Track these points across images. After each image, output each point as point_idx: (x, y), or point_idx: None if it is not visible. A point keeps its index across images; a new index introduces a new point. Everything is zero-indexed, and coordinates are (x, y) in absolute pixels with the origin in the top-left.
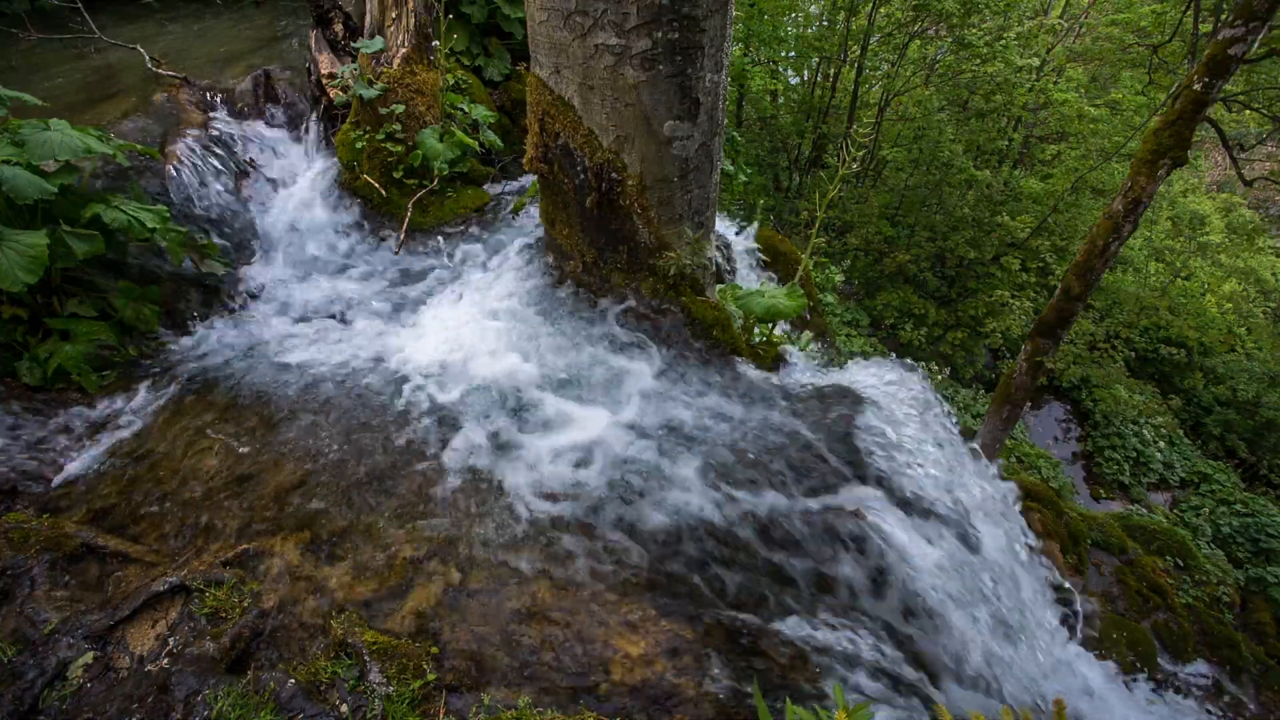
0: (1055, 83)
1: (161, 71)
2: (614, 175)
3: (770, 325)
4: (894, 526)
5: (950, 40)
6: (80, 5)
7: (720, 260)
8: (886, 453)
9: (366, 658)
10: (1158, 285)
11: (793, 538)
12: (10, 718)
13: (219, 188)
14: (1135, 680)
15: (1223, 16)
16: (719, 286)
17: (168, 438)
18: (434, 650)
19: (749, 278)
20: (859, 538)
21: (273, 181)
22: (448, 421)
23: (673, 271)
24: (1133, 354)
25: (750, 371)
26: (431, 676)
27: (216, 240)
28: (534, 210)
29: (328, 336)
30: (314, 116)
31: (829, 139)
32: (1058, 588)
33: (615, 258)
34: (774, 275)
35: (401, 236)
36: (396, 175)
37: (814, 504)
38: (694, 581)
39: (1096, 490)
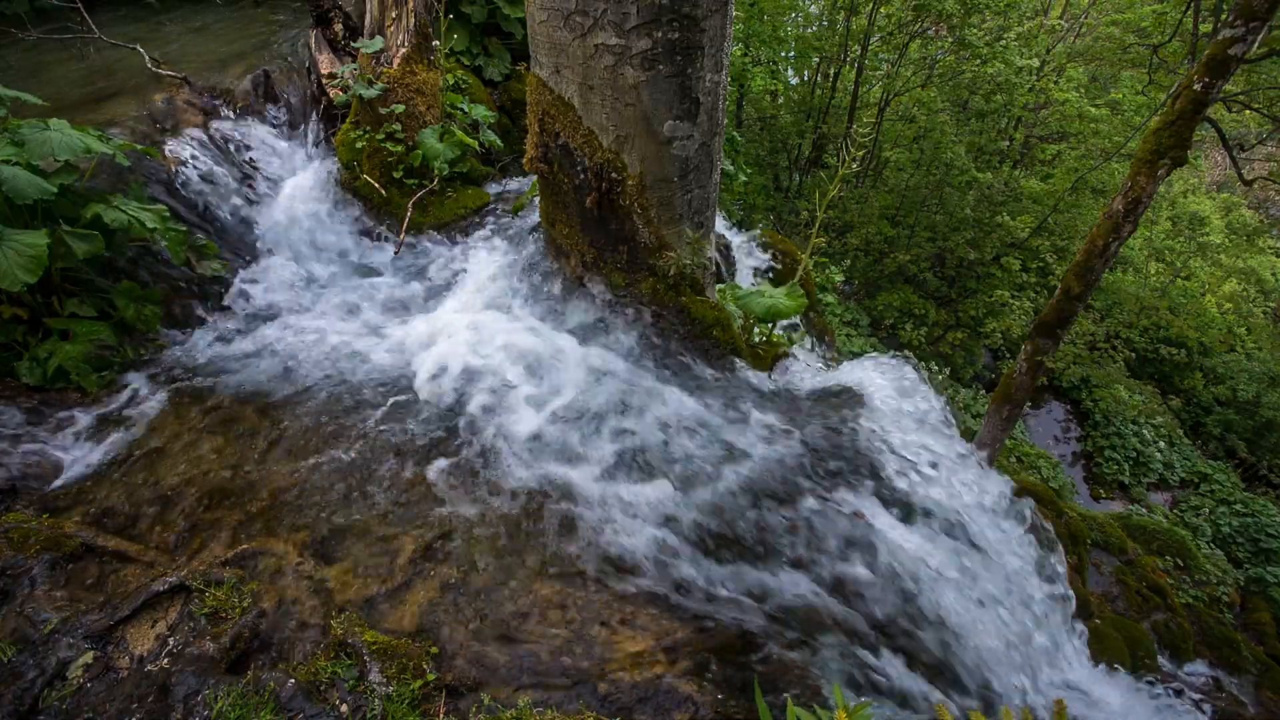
0: (1055, 83)
1: (161, 71)
2: (614, 175)
3: (770, 325)
4: (893, 527)
5: (950, 40)
6: (80, 5)
7: (719, 260)
8: (886, 452)
9: (366, 658)
10: (1158, 285)
11: (792, 538)
12: (10, 718)
13: (219, 188)
14: (1134, 680)
15: (1223, 16)
16: (719, 286)
17: (167, 437)
18: (434, 650)
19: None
20: (859, 538)
21: (272, 181)
22: (446, 422)
23: (673, 271)
24: (1133, 354)
25: (750, 371)
26: (431, 676)
27: (216, 241)
28: (534, 210)
29: (326, 336)
30: (314, 116)
31: (829, 139)
32: (1056, 587)
33: (615, 258)
34: (774, 269)
35: (401, 236)
36: (396, 175)
37: (814, 504)
38: (694, 581)
39: (1096, 490)
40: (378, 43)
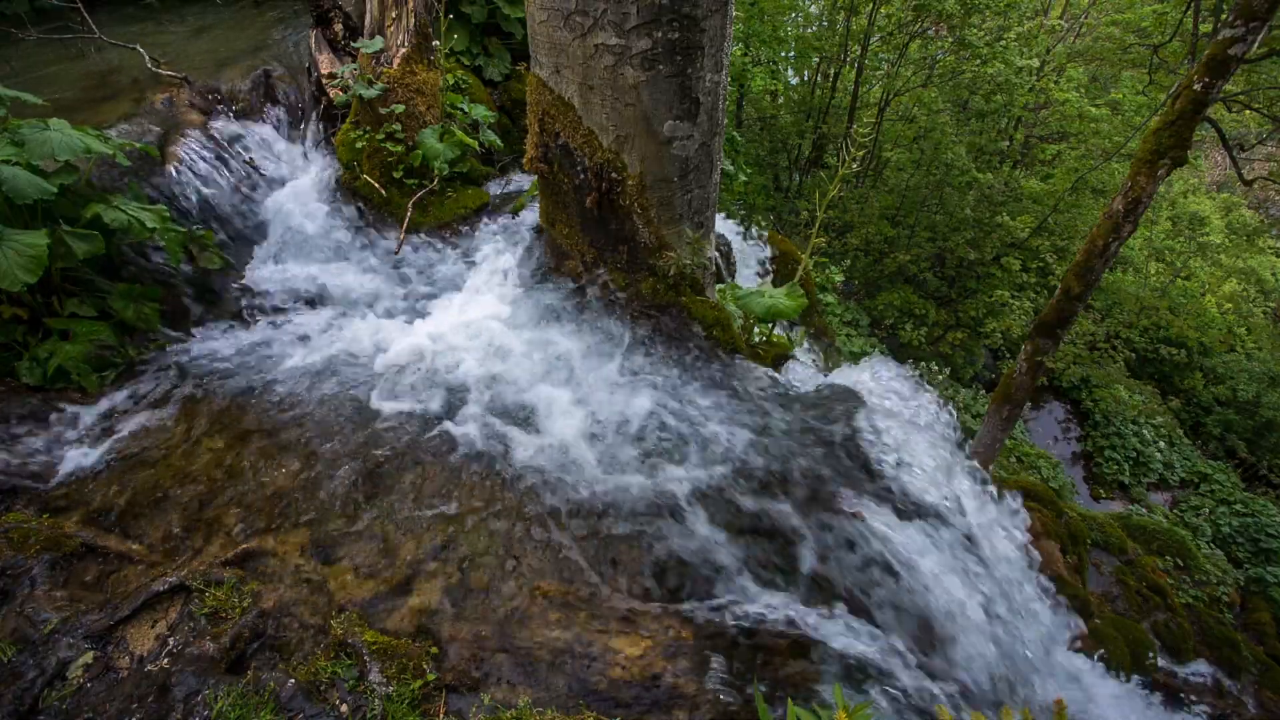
0: (1055, 82)
1: (161, 71)
2: (614, 175)
3: (770, 325)
4: (891, 526)
5: (950, 40)
6: (80, 5)
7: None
8: (885, 452)
9: (366, 658)
10: (1158, 285)
11: (792, 538)
12: (10, 718)
13: (218, 188)
14: (1134, 680)
15: (1223, 16)
16: (719, 286)
17: (168, 437)
18: (434, 650)
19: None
20: (858, 539)
21: (272, 181)
22: (446, 423)
23: (673, 271)
24: (1133, 354)
25: (750, 371)
26: (431, 676)
27: (216, 241)
28: (534, 210)
29: (326, 336)
30: (314, 116)
31: (829, 139)
32: (1055, 585)
33: (615, 258)
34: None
35: (401, 236)
36: (396, 175)
37: (813, 504)
38: (694, 581)
39: (1096, 490)
40: (378, 43)
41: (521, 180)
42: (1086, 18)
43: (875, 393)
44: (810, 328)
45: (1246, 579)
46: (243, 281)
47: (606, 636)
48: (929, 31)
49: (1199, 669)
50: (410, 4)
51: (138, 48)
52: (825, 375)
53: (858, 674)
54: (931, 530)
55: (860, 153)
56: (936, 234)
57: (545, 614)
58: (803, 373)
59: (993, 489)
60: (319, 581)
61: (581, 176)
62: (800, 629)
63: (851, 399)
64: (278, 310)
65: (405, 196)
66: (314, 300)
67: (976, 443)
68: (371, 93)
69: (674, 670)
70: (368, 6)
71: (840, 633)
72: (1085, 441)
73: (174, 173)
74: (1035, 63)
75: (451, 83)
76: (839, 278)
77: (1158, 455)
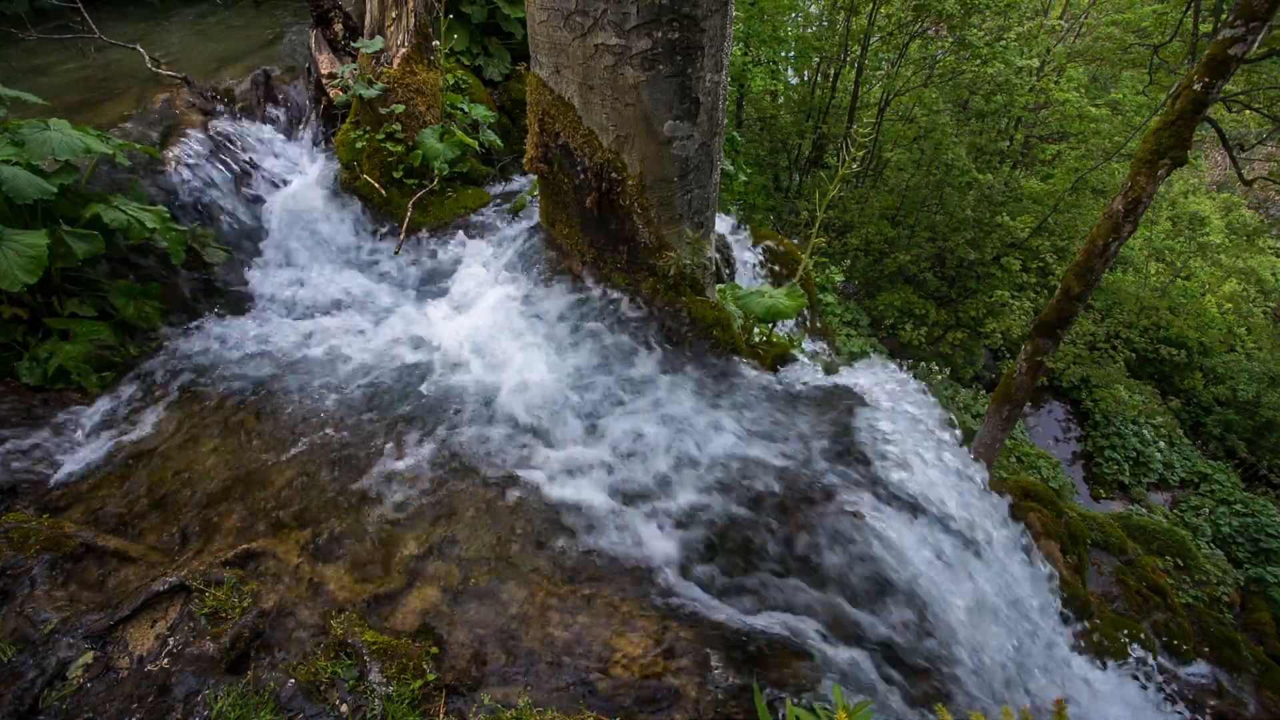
0: (1055, 82)
1: (161, 71)
2: (614, 175)
3: (770, 325)
4: (891, 527)
5: (951, 40)
6: (80, 5)
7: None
8: (884, 453)
9: (366, 658)
10: (1158, 285)
11: (792, 538)
12: (10, 718)
13: (219, 188)
14: (1134, 680)
15: (1223, 16)
16: (719, 286)
17: (168, 437)
18: (434, 650)
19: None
20: (857, 538)
21: (272, 182)
22: (446, 423)
23: (673, 271)
24: (1133, 354)
25: (750, 371)
26: (431, 676)
27: (217, 241)
28: (534, 210)
29: (325, 337)
30: (314, 116)
31: (829, 139)
32: (1054, 584)
33: (615, 258)
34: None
35: (401, 237)
36: (396, 175)
37: (813, 503)
38: (693, 581)
39: (1096, 490)
40: (378, 43)
41: (521, 180)
42: (1086, 18)
43: (875, 393)
44: (810, 328)
45: (1246, 579)
46: (243, 281)
47: (607, 636)
48: (929, 31)
49: (1199, 669)
50: (410, 4)
51: (138, 48)
52: (825, 375)
53: (854, 673)
54: (932, 530)
55: (860, 153)
56: (936, 234)
57: (546, 614)
58: (802, 373)
59: (993, 490)
60: (319, 581)
61: (581, 176)
62: (798, 629)
63: (852, 399)
64: (277, 310)
65: (405, 196)
66: (313, 300)
67: (976, 443)
68: (371, 93)
69: (674, 670)
70: (368, 6)
71: (838, 633)
72: (1085, 441)
73: (174, 173)
74: (1035, 63)
75: (451, 83)
76: (839, 278)
77: (1158, 455)
